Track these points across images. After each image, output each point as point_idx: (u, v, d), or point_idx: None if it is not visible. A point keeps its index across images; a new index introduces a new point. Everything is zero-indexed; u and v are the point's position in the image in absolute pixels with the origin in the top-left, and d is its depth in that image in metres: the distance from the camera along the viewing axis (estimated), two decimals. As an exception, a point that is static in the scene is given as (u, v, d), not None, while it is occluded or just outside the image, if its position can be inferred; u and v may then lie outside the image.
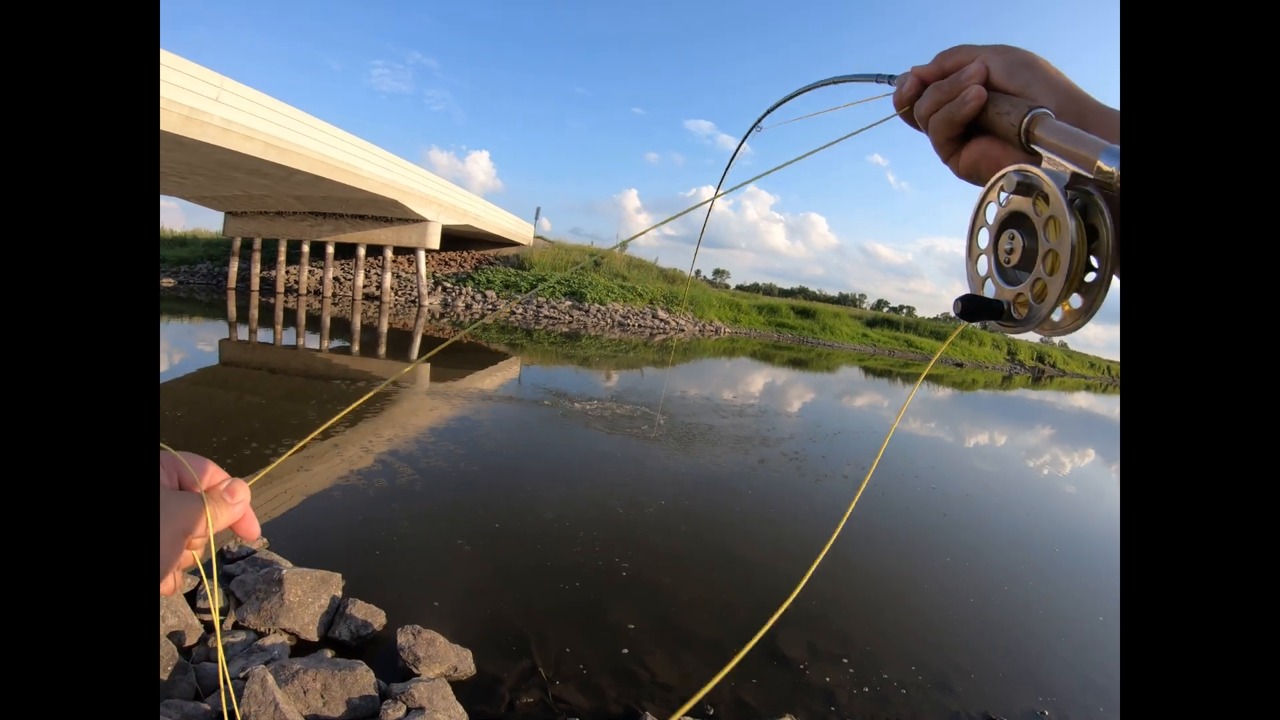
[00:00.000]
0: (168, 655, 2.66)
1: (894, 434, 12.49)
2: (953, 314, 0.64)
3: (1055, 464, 12.45)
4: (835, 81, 0.97)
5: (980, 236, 0.69)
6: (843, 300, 77.25)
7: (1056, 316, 0.59)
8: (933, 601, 4.86)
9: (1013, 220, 0.63)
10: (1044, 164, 0.58)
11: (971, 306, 0.64)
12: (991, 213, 0.67)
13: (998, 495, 8.90)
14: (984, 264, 0.68)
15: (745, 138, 1.31)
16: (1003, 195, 0.63)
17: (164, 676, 2.58)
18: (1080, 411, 25.21)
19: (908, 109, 0.72)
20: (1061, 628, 4.83)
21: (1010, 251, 0.63)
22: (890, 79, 0.79)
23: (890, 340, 39.85)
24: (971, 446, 12.59)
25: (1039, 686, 4.01)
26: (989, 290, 0.67)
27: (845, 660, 3.88)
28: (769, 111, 1.21)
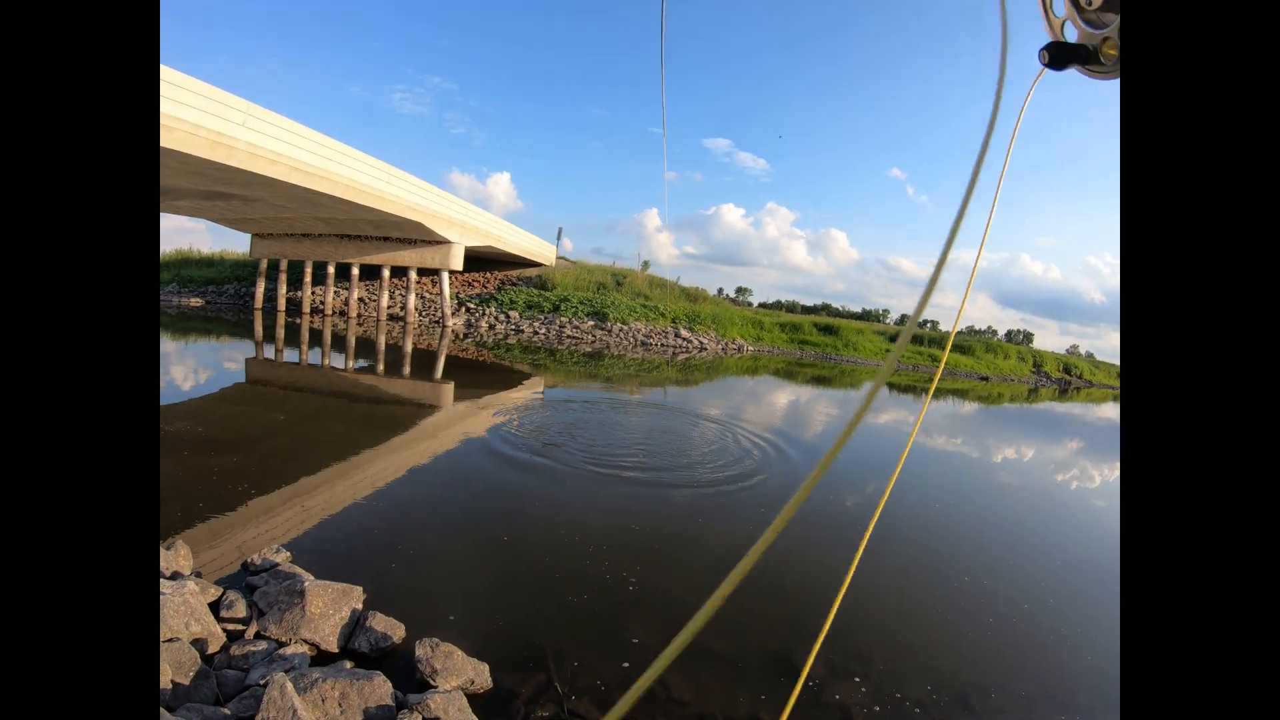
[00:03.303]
0: (190, 661, 2.72)
1: (914, 449, 12.38)
2: (1039, 63, 0.58)
3: (1084, 477, 12.25)
4: None
5: None
6: (865, 316, 76.72)
7: None
8: (950, 621, 4.81)
9: None
10: None
11: (1058, 52, 0.58)
12: None
13: (1020, 511, 8.78)
14: (1060, 3, 0.61)
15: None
16: None
17: (186, 681, 2.65)
18: (1108, 423, 24.78)
19: None
20: (1085, 646, 4.75)
21: None
22: None
23: (914, 355, 39.47)
24: (998, 461, 12.43)
25: (1061, 706, 3.95)
26: (1070, 34, 0.61)
27: (860, 679, 3.85)
28: None
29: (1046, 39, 0.61)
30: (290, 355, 15.47)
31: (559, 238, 43.31)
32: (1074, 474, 12.59)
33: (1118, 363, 52.14)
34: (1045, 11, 0.62)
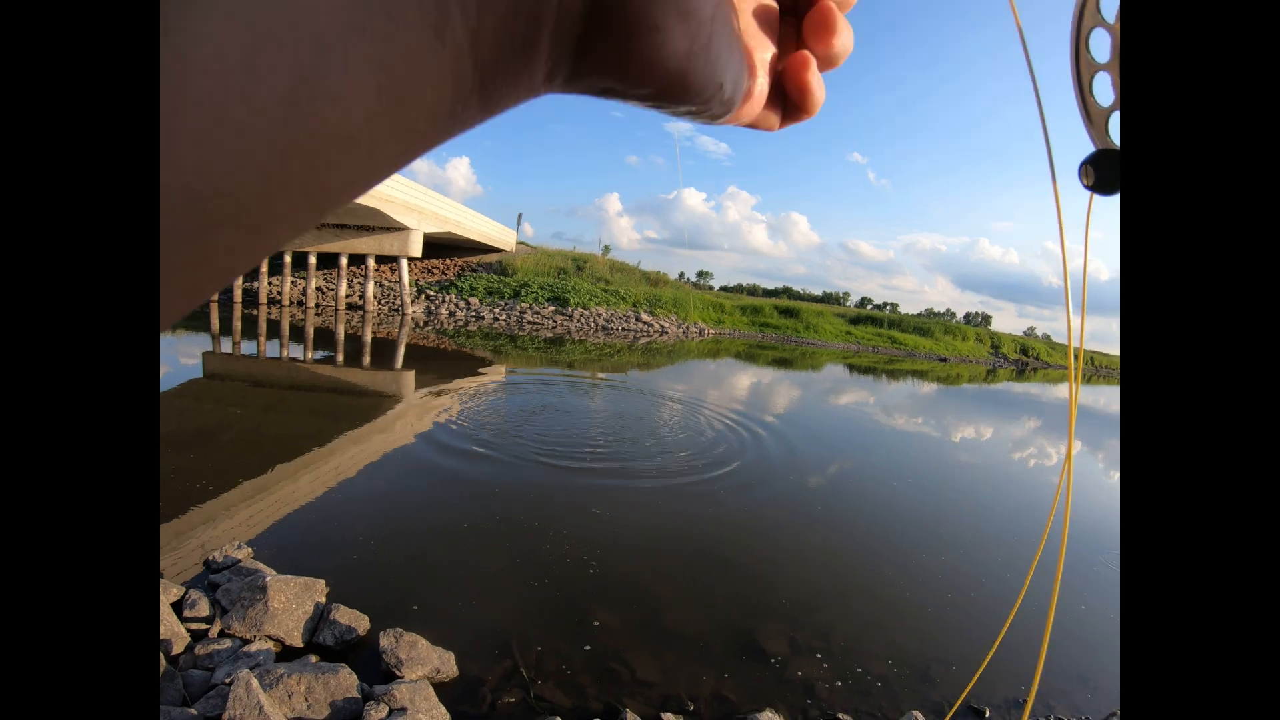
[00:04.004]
0: (153, 663, 2.71)
1: (877, 429, 12.60)
2: (1082, 184, 0.42)
3: (1040, 455, 12.59)
4: None
5: (1093, 43, 0.43)
6: (826, 299, 77.68)
7: None
8: (909, 597, 4.95)
9: None
10: None
11: (1107, 167, 0.40)
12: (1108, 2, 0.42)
13: (975, 490, 9.02)
14: (1106, 88, 0.43)
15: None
16: None
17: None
18: (1063, 402, 25.45)
19: None
20: (1039, 618, 4.91)
21: None
22: None
23: (874, 337, 40.10)
24: (957, 440, 12.72)
25: (1019, 677, 4.09)
26: (1119, 131, 0.42)
27: (821, 655, 3.96)
28: None
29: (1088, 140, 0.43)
30: (248, 348, 15.19)
31: (519, 223, 43.07)
32: (1030, 452, 12.95)
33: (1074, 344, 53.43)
34: (1083, 97, 0.45)
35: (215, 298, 28.24)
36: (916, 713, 3.51)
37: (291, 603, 3.38)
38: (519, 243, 41.06)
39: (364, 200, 22.92)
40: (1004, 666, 4.21)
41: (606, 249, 43.56)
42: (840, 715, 3.47)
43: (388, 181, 23.95)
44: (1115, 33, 0.40)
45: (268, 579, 3.45)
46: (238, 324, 19.73)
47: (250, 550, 4.19)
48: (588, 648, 3.70)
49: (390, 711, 2.69)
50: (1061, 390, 30.48)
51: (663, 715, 3.19)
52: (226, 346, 15.03)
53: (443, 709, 2.88)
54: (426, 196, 27.88)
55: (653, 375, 17.14)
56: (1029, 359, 45.25)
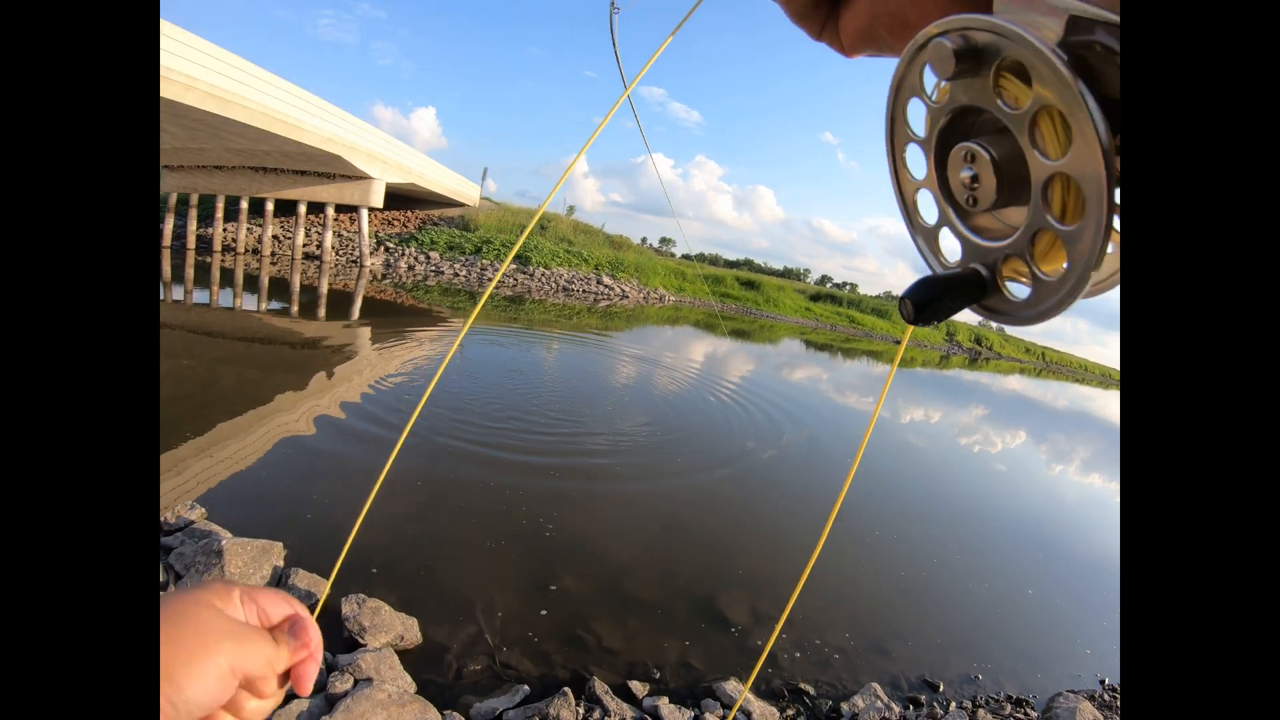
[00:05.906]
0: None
1: (827, 405, 12.76)
2: (902, 314, 0.39)
3: (986, 442, 12.90)
4: None
5: (910, 158, 0.41)
6: (787, 274, 78.05)
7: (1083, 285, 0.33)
8: (864, 574, 5.03)
9: (962, 123, 0.37)
10: (999, 6, 0.32)
11: (924, 298, 0.38)
12: (919, 116, 0.39)
13: (925, 472, 9.20)
14: (930, 205, 0.41)
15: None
16: (931, 81, 0.36)
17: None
18: (1014, 394, 26.25)
19: None
20: (990, 600, 5.06)
21: (975, 184, 0.36)
22: None
23: (833, 315, 40.50)
24: (906, 422, 12.94)
25: (973, 653, 4.21)
26: (950, 249, 0.41)
27: (783, 627, 4.00)
28: None
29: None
30: (200, 297, 14.68)
31: (484, 178, 42.18)
32: (976, 438, 13.26)
33: (1027, 339, 54.77)
34: (910, 216, 0.44)
35: (167, 244, 27.21)
36: (875, 685, 3.59)
37: (249, 567, 3.28)
38: (482, 198, 40.27)
39: (326, 146, 22.21)
40: (964, 643, 4.33)
41: (571, 209, 42.97)
42: (803, 685, 3.53)
43: (351, 128, 23.25)
44: (929, 148, 0.39)
45: (224, 542, 3.33)
46: (190, 271, 19.02)
47: (204, 510, 4.03)
48: (549, 613, 3.68)
49: (356, 682, 2.63)
50: (1013, 381, 31.42)
51: (630, 684, 3.20)
52: (178, 295, 14.50)
53: (408, 677, 2.83)
54: (391, 145, 27.10)
55: (616, 338, 17.07)
56: (982, 349, 46.21)
